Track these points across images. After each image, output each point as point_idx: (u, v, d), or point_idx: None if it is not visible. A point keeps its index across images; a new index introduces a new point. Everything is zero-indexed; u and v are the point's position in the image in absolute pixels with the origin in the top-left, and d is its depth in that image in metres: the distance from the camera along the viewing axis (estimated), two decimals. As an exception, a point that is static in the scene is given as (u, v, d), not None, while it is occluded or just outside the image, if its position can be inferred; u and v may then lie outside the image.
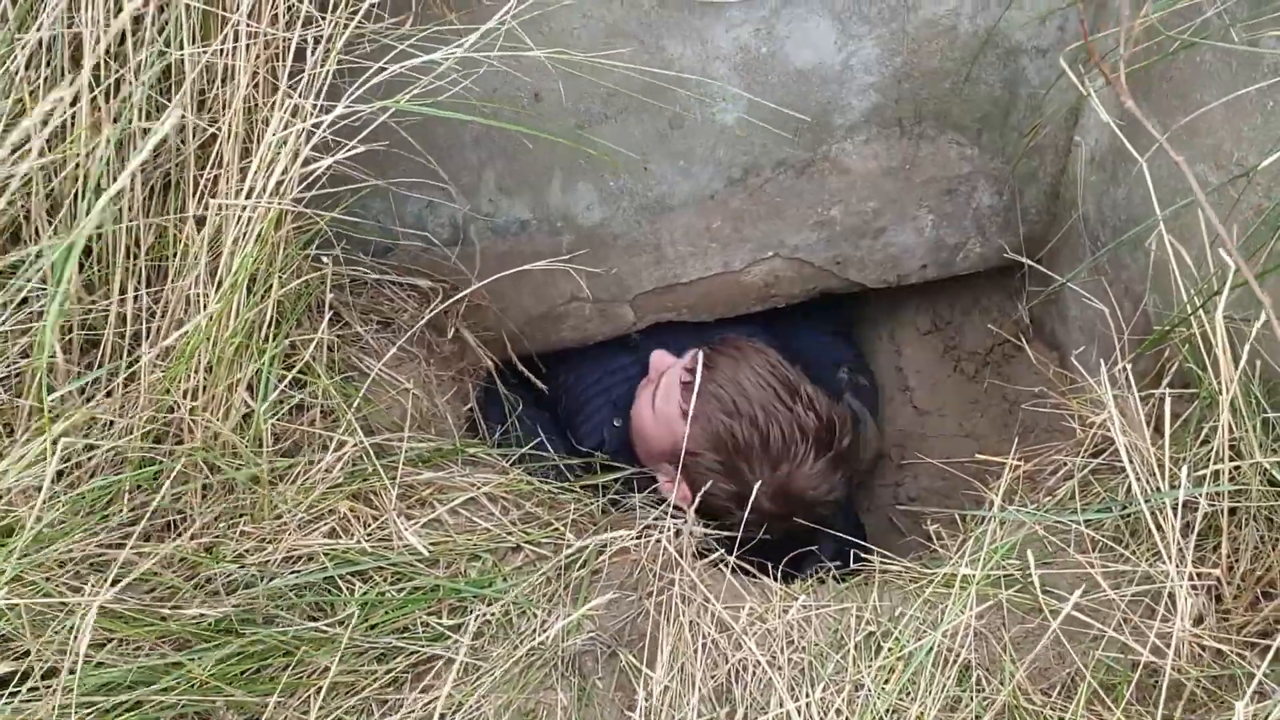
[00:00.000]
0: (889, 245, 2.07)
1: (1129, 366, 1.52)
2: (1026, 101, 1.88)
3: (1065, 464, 1.63)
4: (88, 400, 1.42)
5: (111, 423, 1.38)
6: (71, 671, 1.18)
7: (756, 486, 1.67)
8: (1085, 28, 1.48)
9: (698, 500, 1.68)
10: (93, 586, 1.19)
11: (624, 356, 2.17)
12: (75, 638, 1.13)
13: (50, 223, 1.33)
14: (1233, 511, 1.38)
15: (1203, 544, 1.39)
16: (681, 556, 1.53)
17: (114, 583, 1.34)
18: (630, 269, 2.02)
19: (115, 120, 1.30)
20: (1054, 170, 1.99)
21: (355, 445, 1.57)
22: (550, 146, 1.79)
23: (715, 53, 1.74)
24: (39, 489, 1.22)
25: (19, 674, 1.26)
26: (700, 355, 1.86)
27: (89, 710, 1.21)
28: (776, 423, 1.76)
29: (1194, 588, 1.34)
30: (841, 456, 1.80)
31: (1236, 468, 1.36)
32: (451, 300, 1.84)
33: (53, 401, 1.30)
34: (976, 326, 2.33)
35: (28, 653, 1.23)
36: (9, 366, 1.35)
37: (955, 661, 1.38)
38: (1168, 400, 1.41)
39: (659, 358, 1.99)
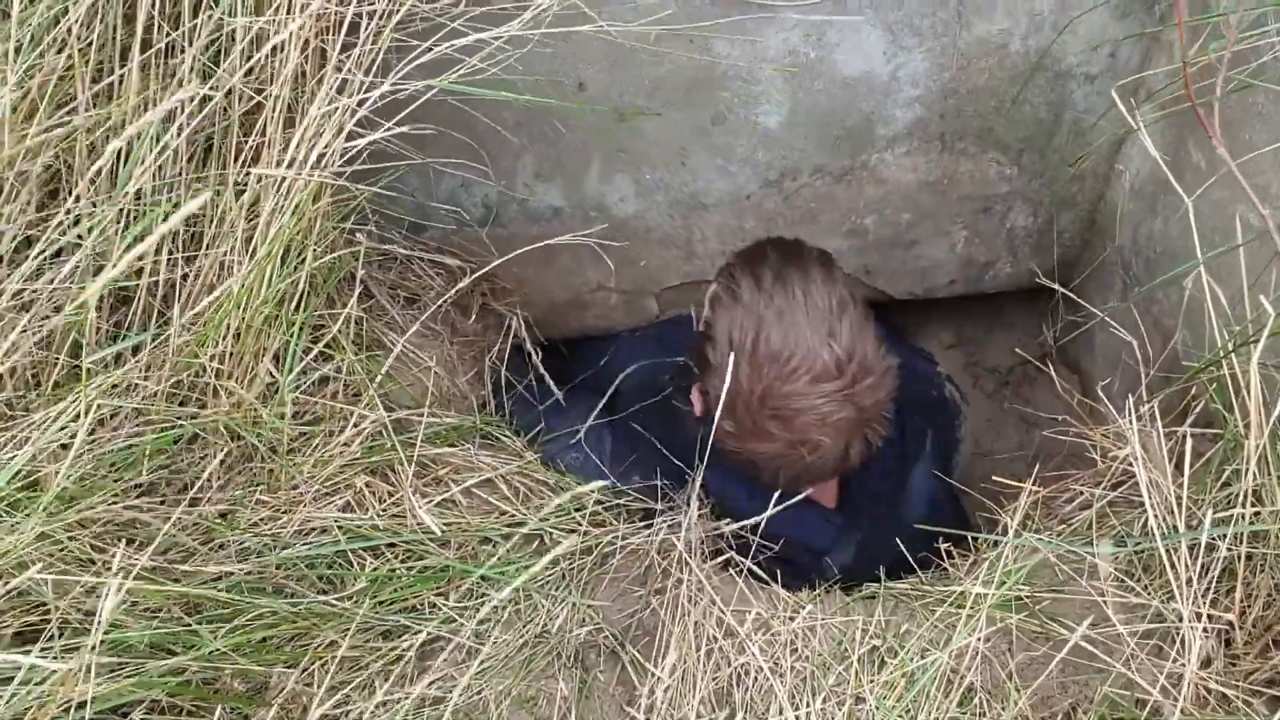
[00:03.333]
0: (919, 258, 2.07)
1: (1155, 401, 1.52)
2: (1071, 126, 1.87)
3: (1082, 493, 1.63)
4: (117, 357, 1.43)
5: (136, 384, 1.38)
6: (85, 632, 1.18)
7: (730, 386, 1.49)
8: (1186, 69, 1.45)
9: (699, 403, 1.58)
10: (122, 554, 1.19)
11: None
12: (101, 601, 1.12)
13: (92, 181, 1.32)
14: (1248, 557, 1.37)
15: (1216, 587, 1.38)
16: (691, 556, 1.53)
17: (130, 542, 1.35)
18: (659, 262, 2.02)
19: (172, 78, 1.30)
20: (1092, 196, 1.98)
21: (374, 420, 1.58)
22: (590, 135, 1.78)
23: (764, 54, 1.73)
24: (64, 447, 1.23)
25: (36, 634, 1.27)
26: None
27: (102, 675, 1.21)
28: (781, 330, 1.50)
29: (1205, 630, 1.34)
30: (850, 399, 1.50)
31: (1256, 513, 1.36)
32: (476, 276, 1.84)
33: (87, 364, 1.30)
34: (1000, 345, 2.32)
35: (46, 608, 1.23)
36: (41, 320, 1.35)
37: (960, 683, 1.38)
38: (1189, 439, 1.41)
39: None
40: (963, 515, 1.91)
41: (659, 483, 1.70)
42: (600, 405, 1.88)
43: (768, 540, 1.59)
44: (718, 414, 1.52)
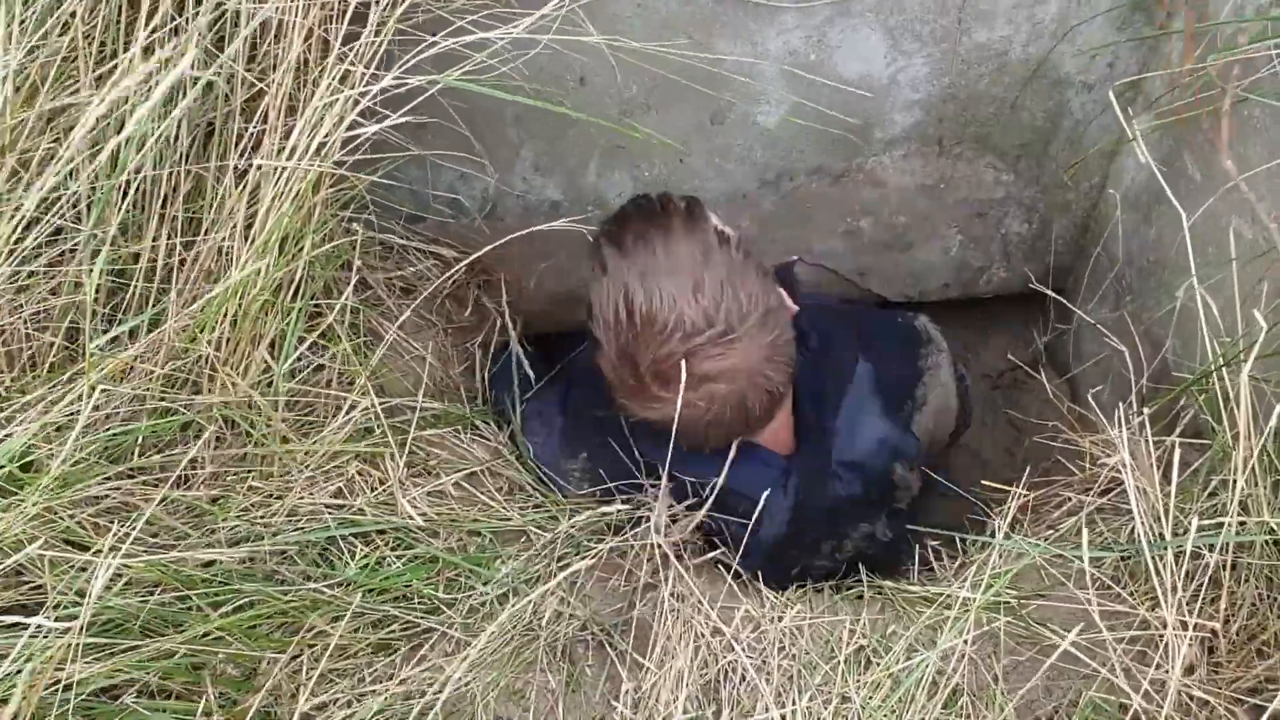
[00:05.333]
0: (914, 261, 2.08)
1: (1146, 410, 1.53)
2: (1067, 133, 1.88)
3: (1070, 499, 1.64)
4: (113, 340, 1.43)
5: (134, 368, 1.38)
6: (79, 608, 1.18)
7: (609, 358, 1.45)
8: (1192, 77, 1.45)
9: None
10: (114, 532, 1.20)
11: None
12: (92, 579, 1.12)
13: (91, 162, 1.32)
14: (1233, 566, 1.39)
15: (1201, 595, 1.39)
16: (677, 558, 1.53)
17: (122, 523, 1.35)
18: (655, 259, 2.02)
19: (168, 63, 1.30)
20: (1086, 204, 1.99)
21: (366, 409, 1.58)
22: (590, 131, 1.79)
23: (764, 54, 1.73)
24: (59, 430, 1.23)
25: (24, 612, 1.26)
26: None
27: (92, 655, 1.21)
28: (645, 293, 1.43)
29: (1189, 638, 1.35)
30: (728, 346, 1.42)
31: (1243, 524, 1.37)
32: (468, 262, 1.84)
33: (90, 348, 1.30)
34: (990, 348, 2.34)
35: (38, 586, 1.23)
36: (39, 303, 1.35)
37: (946, 685, 1.39)
38: (1177, 449, 1.41)
39: None
40: (929, 459, 1.75)
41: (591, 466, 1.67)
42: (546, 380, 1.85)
43: (712, 497, 1.53)
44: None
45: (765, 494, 1.54)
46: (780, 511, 1.59)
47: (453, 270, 1.81)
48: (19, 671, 1.08)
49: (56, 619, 1.21)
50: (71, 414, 1.22)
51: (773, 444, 1.60)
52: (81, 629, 1.15)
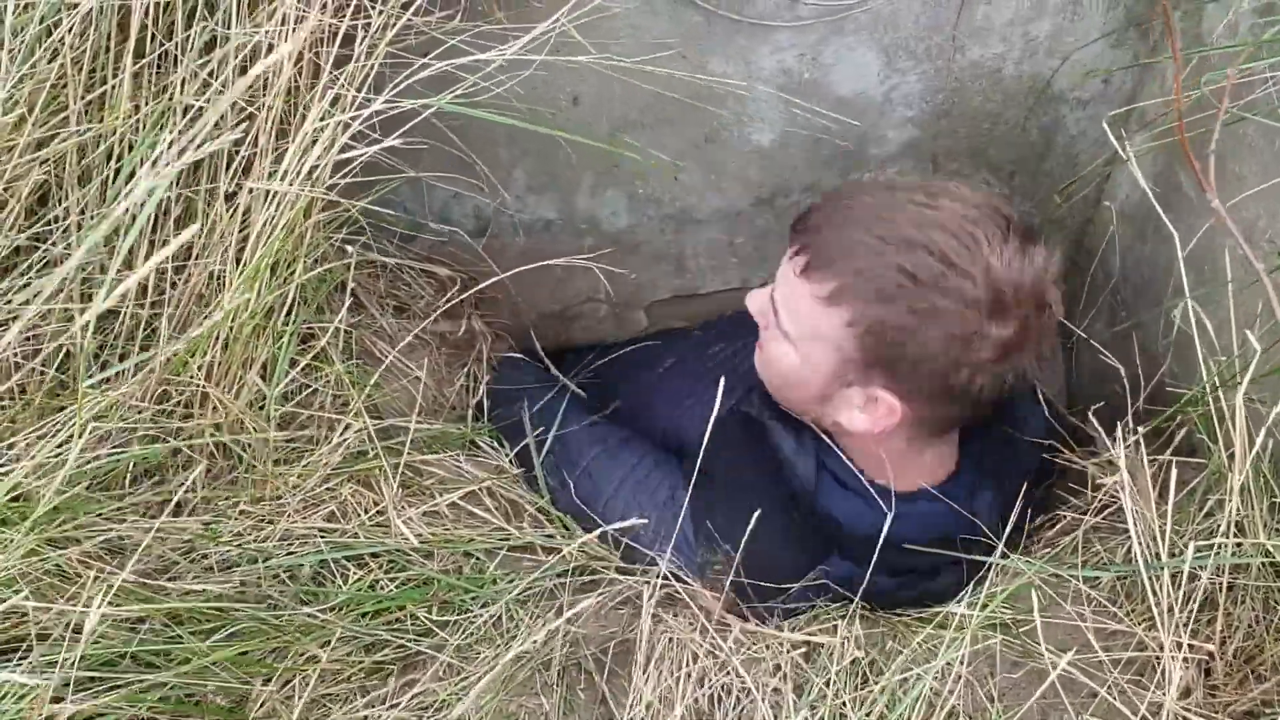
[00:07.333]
0: (909, 276, 2.07)
1: (1141, 429, 1.52)
2: (1062, 149, 1.88)
3: (1067, 517, 1.63)
4: (102, 366, 1.42)
5: (125, 399, 1.38)
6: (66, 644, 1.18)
7: (969, 287, 1.33)
8: (1181, 120, 1.45)
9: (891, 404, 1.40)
10: (104, 569, 1.19)
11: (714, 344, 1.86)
12: (87, 619, 1.12)
13: (82, 192, 1.32)
14: (1229, 588, 1.38)
15: (1197, 617, 1.39)
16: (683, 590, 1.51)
17: (114, 553, 1.35)
18: (650, 276, 2.02)
19: (161, 93, 1.30)
20: (1081, 219, 1.99)
21: (359, 430, 1.57)
22: (583, 150, 1.78)
23: (758, 74, 1.73)
24: (53, 461, 1.22)
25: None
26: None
27: (83, 688, 1.21)
28: (935, 226, 1.34)
29: (1185, 660, 1.34)
30: (1020, 229, 1.40)
31: (1239, 544, 1.36)
32: (471, 293, 1.84)
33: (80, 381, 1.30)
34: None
35: (26, 618, 1.23)
36: (28, 333, 1.35)
37: (942, 705, 1.38)
38: (1174, 468, 1.41)
39: (754, 298, 1.53)
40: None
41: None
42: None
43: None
44: (977, 339, 1.35)
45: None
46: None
47: (450, 294, 1.82)
48: (4, 711, 1.07)
49: (45, 652, 1.21)
50: (62, 446, 1.21)
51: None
52: (74, 664, 1.15)
